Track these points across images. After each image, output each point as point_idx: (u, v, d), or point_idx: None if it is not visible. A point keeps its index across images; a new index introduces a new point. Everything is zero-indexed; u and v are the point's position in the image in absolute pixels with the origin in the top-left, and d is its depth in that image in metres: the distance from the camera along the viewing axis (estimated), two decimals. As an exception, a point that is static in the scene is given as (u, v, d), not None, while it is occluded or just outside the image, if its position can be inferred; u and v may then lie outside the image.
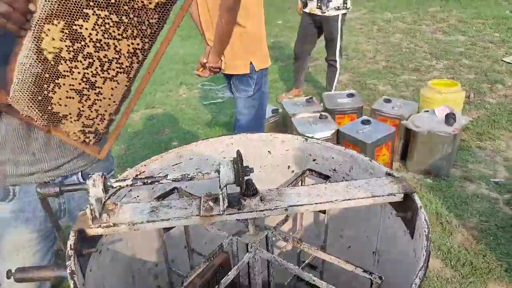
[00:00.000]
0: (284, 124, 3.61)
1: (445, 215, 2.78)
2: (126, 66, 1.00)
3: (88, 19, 0.92)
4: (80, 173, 1.38)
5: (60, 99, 1.03)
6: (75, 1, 0.90)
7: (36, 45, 0.95)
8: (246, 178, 1.10)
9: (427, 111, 3.22)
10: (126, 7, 0.91)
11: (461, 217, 2.74)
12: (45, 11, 0.91)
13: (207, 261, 1.15)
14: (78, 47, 0.95)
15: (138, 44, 0.96)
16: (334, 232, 1.68)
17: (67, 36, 0.94)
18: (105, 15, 0.92)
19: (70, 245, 1.03)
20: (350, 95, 3.60)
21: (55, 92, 1.02)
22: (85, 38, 0.94)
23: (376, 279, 1.01)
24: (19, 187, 1.27)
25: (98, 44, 0.95)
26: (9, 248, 1.31)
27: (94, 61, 0.98)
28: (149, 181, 1.07)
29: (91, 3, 0.90)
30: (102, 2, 0.90)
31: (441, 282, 2.26)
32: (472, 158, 3.43)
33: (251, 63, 2.48)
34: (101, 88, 1.03)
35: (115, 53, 0.97)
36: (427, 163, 3.13)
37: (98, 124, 1.11)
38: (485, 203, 2.89)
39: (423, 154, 3.12)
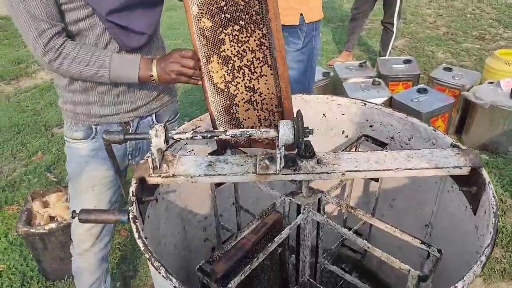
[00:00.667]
0: (334, 89, 3.50)
1: (500, 193, 2.63)
2: (263, 57, 1.13)
3: (225, 41, 1.13)
4: (154, 115, 1.45)
5: (243, 114, 1.24)
6: (215, 36, 1.12)
7: (212, 84, 1.20)
8: (304, 139, 1.08)
9: (492, 82, 2.99)
10: (237, 13, 1.08)
11: (518, 197, 2.60)
12: (203, 56, 1.16)
13: (260, 219, 1.17)
14: (230, 66, 1.16)
15: (259, 34, 1.09)
16: (384, 202, 1.65)
17: (222, 63, 1.16)
18: (231, 30, 1.10)
19: (132, 191, 1.07)
20: (407, 61, 3.40)
21: (238, 111, 1.23)
22: (230, 57, 1.14)
23: (435, 252, 0.98)
24: (100, 126, 1.35)
25: (239, 55, 1.14)
26: (86, 183, 1.40)
27: (244, 69, 1.16)
28: (208, 135, 1.08)
29: (221, 29, 1.11)
30: (224, 22, 1.10)
31: (489, 261, 2.18)
32: (535, 136, 3.19)
33: (301, 14, 2.43)
34: (259, 88, 1.18)
35: (251, 53, 1.13)
36: (485, 138, 2.94)
37: (273, 120, 1.24)
38: (546, 183, 2.71)
39: (482, 129, 2.93)
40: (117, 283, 2.12)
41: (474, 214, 1.13)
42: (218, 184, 1.44)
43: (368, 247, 1.03)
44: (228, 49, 1.13)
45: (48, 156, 3.06)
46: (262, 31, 1.08)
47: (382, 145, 1.46)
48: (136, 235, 0.93)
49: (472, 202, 1.14)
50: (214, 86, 1.21)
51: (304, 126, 1.06)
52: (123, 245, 2.34)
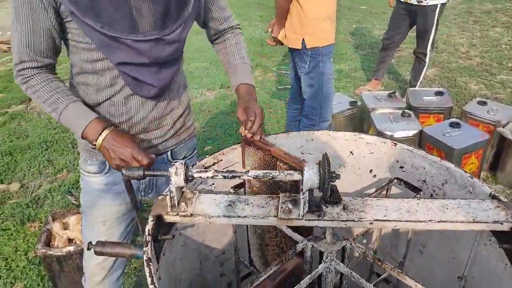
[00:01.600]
0: (361, 119, 3.42)
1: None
2: None
3: None
4: (170, 151, 1.41)
5: None
6: None
7: None
8: (331, 184, 1.02)
9: (529, 119, 2.85)
10: None
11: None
12: None
13: (280, 263, 1.10)
14: None
15: None
16: (414, 247, 1.55)
17: None
18: None
19: (148, 230, 1.03)
20: (439, 93, 3.29)
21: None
22: None
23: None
24: None
25: None
26: (98, 218, 1.38)
27: None
28: (229, 176, 1.03)
29: None
30: None
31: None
32: None
33: (303, 39, 2.62)
34: None
35: None
36: (522, 178, 2.79)
37: None
38: None
39: (518, 167, 2.78)
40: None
41: (516, 274, 1.03)
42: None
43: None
44: None
45: (73, 174, 3.09)
46: None
47: (415, 190, 1.37)
48: (148, 280, 0.89)
49: (513, 261, 1.04)
50: None
51: (330, 170, 1.00)
52: (139, 270, 2.31)
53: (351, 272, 1.05)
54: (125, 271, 2.26)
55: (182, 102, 1.38)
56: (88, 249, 1.14)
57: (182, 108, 1.38)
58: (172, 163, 1.02)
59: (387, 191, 1.41)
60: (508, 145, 2.80)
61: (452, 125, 2.82)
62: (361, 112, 3.42)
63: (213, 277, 1.59)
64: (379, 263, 1.05)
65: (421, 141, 2.87)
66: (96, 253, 1.14)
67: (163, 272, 1.12)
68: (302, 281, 1.05)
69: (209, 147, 3.43)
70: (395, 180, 1.40)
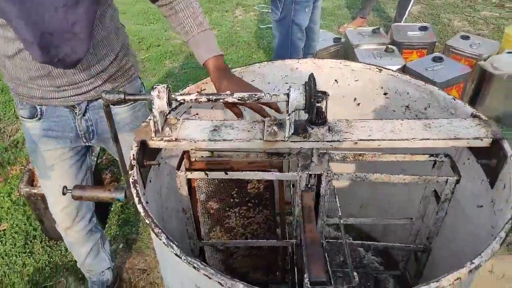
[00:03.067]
0: (345, 56, 3.38)
1: None
2: (268, 227, 1.37)
3: (230, 217, 1.32)
4: None
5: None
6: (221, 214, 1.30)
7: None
8: (316, 105, 1.02)
9: (511, 52, 2.86)
10: (247, 198, 1.25)
11: (529, 172, 2.54)
12: (206, 227, 1.35)
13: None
14: (233, 233, 1.38)
15: (266, 213, 1.30)
16: (394, 171, 1.59)
17: (224, 232, 1.37)
18: (239, 209, 1.30)
19: (133, 155, 1.02)
20: (423, 28, 3.24)
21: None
22: (234, 227, 1.33)
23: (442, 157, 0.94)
24: (45, 107, 1.26)
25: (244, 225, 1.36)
26: (44, 163, 1.33)
27: (247, 235, 1.37)
28: (214, 98, 1.01)
29: (228, 208, 1.30)
30: (232, 205, 1.28)
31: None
32: (551, 110, 3.09)
33: None
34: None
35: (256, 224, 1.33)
36: (500, 110, 2.85)
37: None
38: (559, 160, 2.64)
39: (497, 100, 2.83)
40: (120, 244, 2.13)
41: (491, 187, 1.08)
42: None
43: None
44: (233, 222, 1.23)
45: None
46: (269, 211, 1.26)
47: None
48: (136, 200, 0.89)
49: (490, 175, 1.09)
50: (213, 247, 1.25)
51: (317, 90, 0.99)
52: (126, 208, 2.33)
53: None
54: (111, 209, 2.29)
55: (114, 47, 1.24)
56: (64, 193, 1.12)
57: (114, 53, 1.24)
58: (154, 86, 0.99)
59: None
60: (488, 79, 2.83)
61: (435, 59, 2.82)
62: (345, 49, 3.37)
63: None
64: (360, 157, 1.08)
65: (404, 76, 2.87)
66: (74, 197, 1.12)
67: (150, 197, 1.13)
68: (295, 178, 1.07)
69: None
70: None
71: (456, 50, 3.01)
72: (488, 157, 1.07)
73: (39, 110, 1.26)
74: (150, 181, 1.15)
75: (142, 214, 0.86)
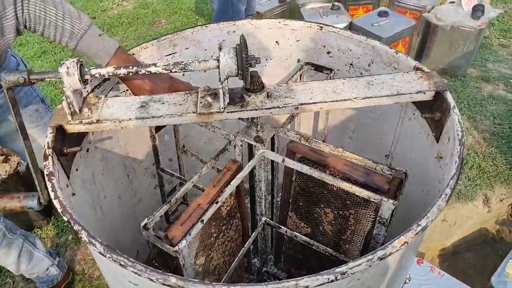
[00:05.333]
0: (291, 17, 3.27)
1: (457, 117, 2.65)
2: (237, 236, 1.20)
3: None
4: None
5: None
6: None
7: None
8: (251, 70, 0.93)
9: (453, 2, 2.86)
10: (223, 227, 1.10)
11: (474, 119, 2.61)
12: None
13: (218, 172, 1.04)
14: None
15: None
16: (344, 133, 1.56)
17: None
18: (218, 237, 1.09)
19: (48, 143, 0.89)
20: (367, -17, 3.19)
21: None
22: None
23: (401, 174, 0.90)
24: None
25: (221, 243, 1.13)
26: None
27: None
28: (133, 69, 0.89)
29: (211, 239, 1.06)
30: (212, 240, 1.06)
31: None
32: (492, 57, 3.17)
33: None
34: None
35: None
36: (445, 61, 2.89)
37: None
38: (501, 105, 2.73)
39: (442, 51, 2.86)
40: (69, 236, 2.00)
41: (437, 141, 1.05)
42: (158, 127, 1.27)
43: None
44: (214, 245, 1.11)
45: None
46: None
47: (326, 70, 1.33)
48: (52, 195, 0.78)
49: (435, 129, 1.06)
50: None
51: (249, 53, 0.90)
52: (73, 196, 2.19)
53: (284, 159, 1.01)
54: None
55: None
56: None
57: None
58: (62, 62, 0.86)
59: (301, 78, 1.35)
60: (432, 31, 2.84)
61: (381, 14, 2.77)
62: (291, 9, 3.25)
63: (146, 190, 1.52)
64: (315, 144, 1.02)
65: (351, 33, 2.82)
66: None
67: (79, 187, 1.02)
68: (233, 180, 1.00)
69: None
70: (306, 66, 1.34)
71: (400, 3, 2.98)
72: (432, 110, 1.03)
73: None
74: (77, 169, 1.03)
75: (59, 210, 0.75)
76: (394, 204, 0.91)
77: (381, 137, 1.39)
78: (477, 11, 2.68)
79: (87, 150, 1.11)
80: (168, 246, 0.85)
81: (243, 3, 2.65)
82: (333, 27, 1.32)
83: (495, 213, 2.19)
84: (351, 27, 2.82)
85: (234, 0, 2.55)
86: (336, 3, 2.97)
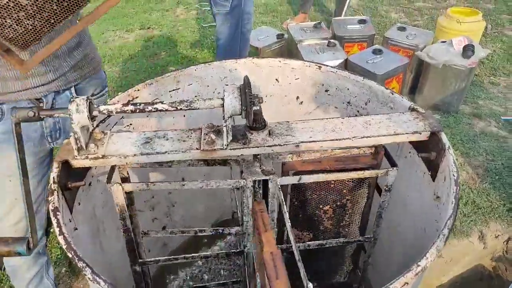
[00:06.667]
0: (289, 52, 3.37)
1: (451, 152, 2.70)
2: None
3: None
4: (73, 88, 1.23)
5: None
6: None
7: None
8: (254, 108, 0.96)
9: (444, 41, 2.98)
10: None
11: (467, 155, 2.66)
12: None
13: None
14: None
15: None
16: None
17: None
18: None
19: (54, 178, 0.91)
20: (362, 21, 3.31)
21: None
22: None
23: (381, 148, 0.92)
24: (7, 105, 1.12)
25: None
26: (1, 173, 1.19)
27: None
28: (141, 107, 0.92)
29: None
30: None
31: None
32: (483, 94, 3.27)
33: None
34: None
35: None
36: (437, 98, 2.97)
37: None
38: (493, 141, 2.79)
39: (434, 88, 2.95)
40: (62, 269, 1.97)
41: (433, 180, 1.08)
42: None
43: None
44: None
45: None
46: None
47: None
48: (57, 231, 0.79)
49: (431, 168, 1.09)
50: None
51: (252, 93, 0.93)
52: (68, 227, 2.16)
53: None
54: (51, 230, 2.12)
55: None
56: None
57: (78, 36, 1.19)
58: (72, 99, 0.89)
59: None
60: (425, 68, 2.94)
61: (375, 52, 2.87)
62: (288, 46, 3.36)
63: (144, 222, 1.52)
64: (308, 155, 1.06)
65: (347, 69, 2.90)
66: None
67: (80, 222, 1.02)
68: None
69: (133, 92, 3.19)
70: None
71: (394, 42, 3.10)
72: (428, 150, 1.07)
73: (1, 109, 1.12)
74: (79, 203, 1.04)
75: (64, 246, 0.76)
76: (397, 170, 1.05)
77: (378, 174, 1.41)
78: (468, 51, 2.79)
79: (89, 184, 1.13)
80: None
81: (250, 32, 2.73)
82: (332, 67, 1.38)
83: (490, 249, 2.19)
84: (346, 63, 2.92)
85: (244, 29, 2.60)
86: (332, 40, 3.08)
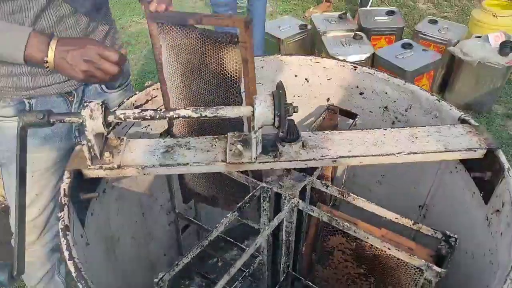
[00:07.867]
0: (312, 43, 3.22)
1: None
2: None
3: None
4: None
5: None
6: None
7: None
8: (288, 118, 0.85)
9: (479, 36, 2.79)
10: None
11: (500, 160, 2.51)
12: None
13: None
14: None
15: None
16: (373, 177, 1.47)
17: None
18: None
19: (64, 190, 0.82)
20: (390, 13, 3.13)
21: None
22: None
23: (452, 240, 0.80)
24: (35, 100, 1.06)
25: None
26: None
27: None
28: (161, 113, 0.82)
29: None
30: None
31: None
32: (518, 94, 3.09)
33: None
34: None
35: None
36: (469, 97, 2.80)
37: None
38: (528, 145, 2.63)
39: (467, 86, 2.77)
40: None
41: (486, 203, 0.96)
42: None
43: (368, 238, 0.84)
44: None
45: None
46: None
47: (351, 116, 1.25)
48: (66, 255, 0.70)
49: (483, 189, 0.97)
50: None
51: (286, 101, 0.82)
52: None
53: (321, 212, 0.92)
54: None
55: (107, 17, 1.13)
56: None
57: (108, 24, 1.13)
58: (85, 103, 0.79)
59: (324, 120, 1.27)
60: (457, 65, 2.76)
61: (404, 46, 2.71)
62: (312, 36, 3.21)
63: (160, 227, 1.43)
64: (346, 196, 0.93)
65: (374, 64, 2.75)
66: None
67: (93, 234, 0.94)
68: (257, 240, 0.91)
69: (149, 81, 3.10)
70: (328, 111, 1.26)
71: (425, 36, 2.92)
72: (482, 169, 0.94)
73: (27, 104, 1.05)
74: (92, 214, 0.95)
75: (73, 274, 0.67)
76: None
77: (415, 186, 1.30)
78: (505, 47, 2.61)
79: (104, 191, 1.04)
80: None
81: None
82: (369, 67, 1.25)
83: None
84: (373, 58, 2.76)
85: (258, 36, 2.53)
86: (358, 33, 2.92)
